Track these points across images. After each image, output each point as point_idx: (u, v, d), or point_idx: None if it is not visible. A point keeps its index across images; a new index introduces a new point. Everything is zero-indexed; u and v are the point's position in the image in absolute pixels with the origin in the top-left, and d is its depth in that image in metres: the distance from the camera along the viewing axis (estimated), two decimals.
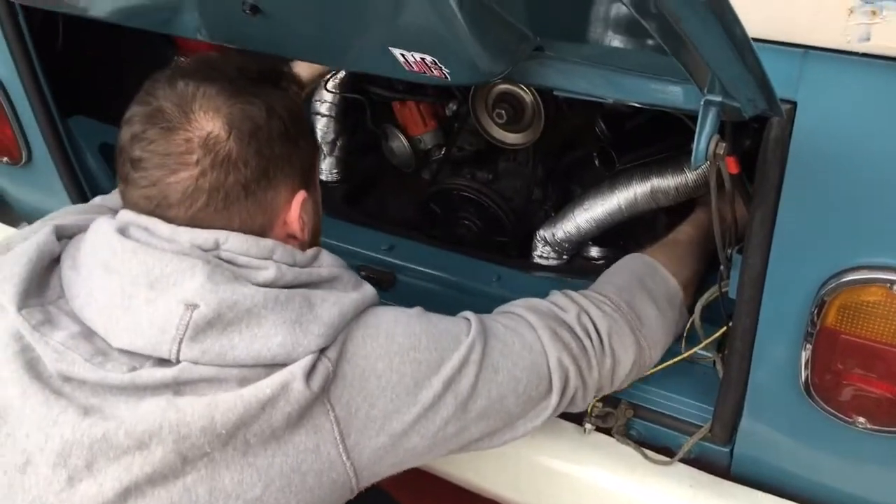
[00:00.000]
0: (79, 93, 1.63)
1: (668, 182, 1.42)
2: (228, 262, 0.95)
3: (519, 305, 1.16)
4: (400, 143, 1.78)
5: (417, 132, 1.77)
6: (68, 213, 1.17)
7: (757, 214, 1.02)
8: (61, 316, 0.95)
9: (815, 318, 1.05)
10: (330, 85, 1.76)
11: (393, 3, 0.84)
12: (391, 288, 1.51)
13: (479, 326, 1.06)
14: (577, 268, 1.61)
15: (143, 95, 0.97)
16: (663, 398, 1.30)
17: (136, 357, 0.92)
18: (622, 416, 1.31)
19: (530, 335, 1.09)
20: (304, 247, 1.07)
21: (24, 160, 1.70)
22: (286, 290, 0.96)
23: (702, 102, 0.84)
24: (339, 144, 1.83)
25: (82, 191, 1.69)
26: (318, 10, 0.90)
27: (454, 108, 1.71)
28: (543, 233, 1.57)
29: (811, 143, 0.96)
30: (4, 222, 1.84)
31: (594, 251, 1.62)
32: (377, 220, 1.75)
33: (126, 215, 0.98)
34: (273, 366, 0.92)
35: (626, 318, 1.17)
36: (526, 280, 1.52)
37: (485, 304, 1.46)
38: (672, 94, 0.93)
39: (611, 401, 1.31)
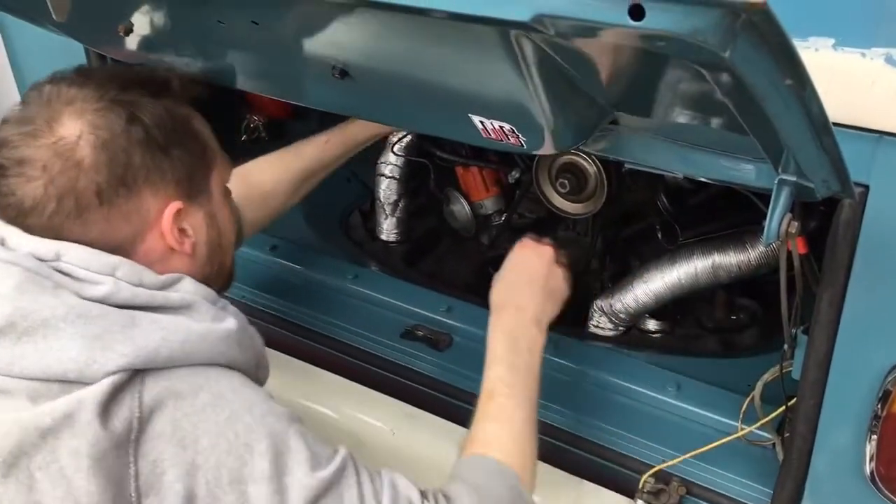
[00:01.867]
0: None
1: (730, 259, 1.41)
2: (67, 274, 0.92)
3: (395, 488, 0.96)
4: (461, 207, 1.82)
5: (479, 197, 1.80)
6: None
7: (825, 296, 1.02)
8: None
9: (882, 404, 1.03)
10: (396, 148, 1.80)
11: (478, 73, 0.87)
12: (448, 349, 1.52)
13: (331, 474, 0.91)
14: (632, 339, 1.60)
15: (21, 100, 0.98)
16: (719, 477, 1.28)
17: None
18: (675, 494, 1.28)
19: None
20: (199, 264, 1.04)
21: None
22: (108, 308, 0.90)
23: (776, 181, 0.85)
24: (400, 205, 1.87)
25: None
26: (405, 78, 0.93)
27: (516, 175, 1.74)
28: (601, 303, 1.57)
29: (882, 227, 0.96)
30: None
31: (651, 324, 1.61)
32: (435, 281, 1.77)
33: None
34: (67, 383, 0.86)
35: None
36: (581, 348, 1.51)
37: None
38: (744, 172, 0.94)
39: (663, 477, 1.29)
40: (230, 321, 0.98)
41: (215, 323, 0.96)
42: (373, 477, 0.96)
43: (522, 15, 0.57)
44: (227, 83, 1.12)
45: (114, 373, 0.86)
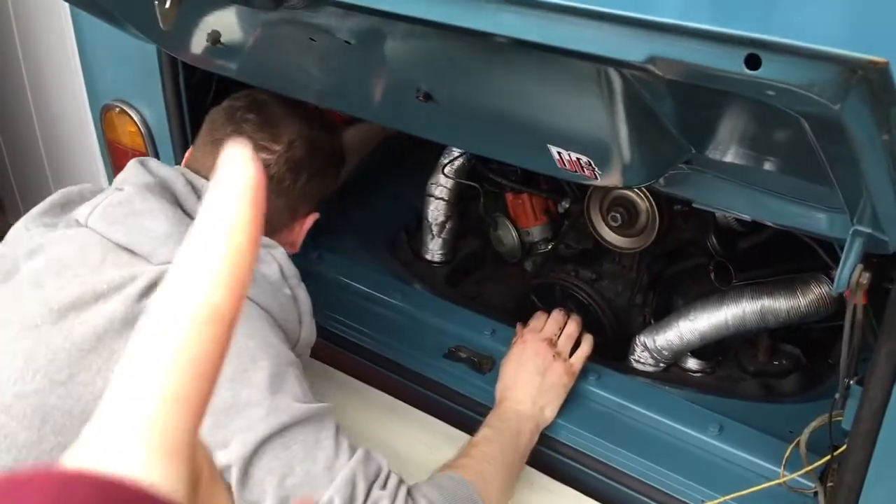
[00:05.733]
0: None
1: (779, 304, 1.42)
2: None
3: (368, 453, 1.11)
4: (508, 232, 1.83)
5: (527, 224, 1.82)
6: None
7: (883, 349, 1.02)
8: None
9: None
10: (447, 170, 1.83)
11: (562, 105, 0.90)
12: (490, 371, 1.53)
13: (315, 410, 1.05)
14: (672, 377, 1.60)
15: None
16: None
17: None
18: None
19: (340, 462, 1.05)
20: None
21: None
22: None
23: (850, 232, 0.86)
24: (447, 227, 1.89)
25: None
26: (488, 105, 0.95)
27: (566, 205, 1.76)
28: (644, 338, 1.58)
29: None
30: None
31: (692, 363, 1.62)
32: (478, 303, 1.78)
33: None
34: (135, 256, 1.06)
35: None
36: (622, 381, 1.52)
37: (580, 400, 1.48)
38: (815, 220, 0.96)
39: None
40: (286, 292, 1.15)
41: (275, 286, 1.13)
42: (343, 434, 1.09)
43: (637, 56, 0.59)
44: (310, 99, 1.15)
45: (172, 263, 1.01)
